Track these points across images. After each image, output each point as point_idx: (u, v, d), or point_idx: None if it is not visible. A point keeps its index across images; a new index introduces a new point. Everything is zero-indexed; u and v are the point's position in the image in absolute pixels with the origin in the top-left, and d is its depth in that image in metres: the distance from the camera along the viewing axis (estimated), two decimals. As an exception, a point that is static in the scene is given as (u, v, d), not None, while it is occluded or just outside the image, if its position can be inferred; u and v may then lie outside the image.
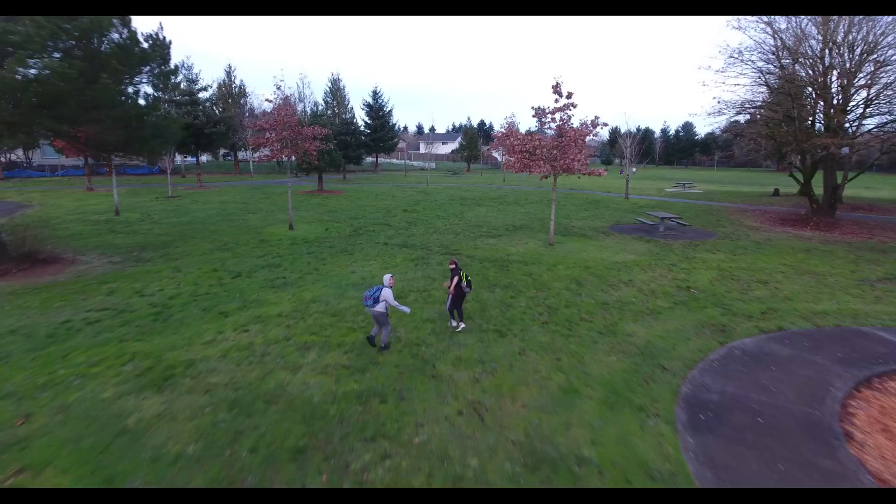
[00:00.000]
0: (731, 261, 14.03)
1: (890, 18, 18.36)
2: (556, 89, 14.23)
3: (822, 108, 20.85)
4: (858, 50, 19.43)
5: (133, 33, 11.05)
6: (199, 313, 9.12)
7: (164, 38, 12.30)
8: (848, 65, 19.51)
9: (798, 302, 10.36)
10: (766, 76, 22.15)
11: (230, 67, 52.97)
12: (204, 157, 61.73)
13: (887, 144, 20.67)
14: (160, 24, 12.34)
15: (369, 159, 62.35)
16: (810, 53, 20.18)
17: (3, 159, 44.70)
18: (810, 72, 20.46)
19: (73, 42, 9.91)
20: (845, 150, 20.30)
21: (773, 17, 20.17)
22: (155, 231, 17.66)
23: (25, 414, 5.73)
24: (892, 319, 9.30)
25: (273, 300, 9.94)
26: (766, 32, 21.15)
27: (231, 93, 51.99)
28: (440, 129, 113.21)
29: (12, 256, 12.25)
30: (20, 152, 44.69)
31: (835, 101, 20.30)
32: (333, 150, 31.02)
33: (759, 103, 22.93)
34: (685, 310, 9.80)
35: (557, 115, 14.53)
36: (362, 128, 54.01)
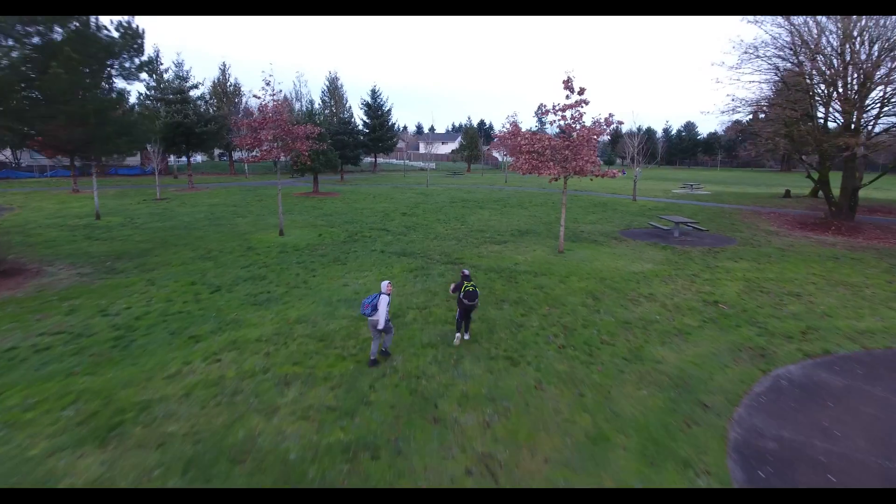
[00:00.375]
0: (757, 270, 12.94)
1: None
2: (568, 85, 13.07)
3: (839, 106, 19.82)
4: (877, 46, 18.41)
5: (87, 20, 9.66)
6: (167, 338, 7.97)
7: (137, 26, 11.09)
8: (866, 62, 18.47)
9: (838, 319, 9.35)
10: (783, 72, 21.11)
11: (225, 65, 51.88)
12: (199, 158, 60.62)
13: None
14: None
15: (368, 159, 61.20)
16: (829, 50, 19.15)
17: (-11, 160, 43.50)
18: (827, 70, 19.42)
19: (30, 28, 8.72)
20: (863, 150, 19.33)
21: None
22: (135, 238, 16.46)
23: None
24: (953, 342, 8.23)
25: (253, 320, 8.80)
26: (783, 27, 20.15)
27: (225, 91, 50.81)
28: (440, 129, 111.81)
29: (-31, 267, 11.09)
30: (7, 152, 43.40)
31: (854, 98, 19.24)
32: (328, 150, 29.82)
33: (775, 101, 21.85)
34: (716, 329, 8.75)
35: (568, 113, 13.38)
36: (361, 127, 52.89)
